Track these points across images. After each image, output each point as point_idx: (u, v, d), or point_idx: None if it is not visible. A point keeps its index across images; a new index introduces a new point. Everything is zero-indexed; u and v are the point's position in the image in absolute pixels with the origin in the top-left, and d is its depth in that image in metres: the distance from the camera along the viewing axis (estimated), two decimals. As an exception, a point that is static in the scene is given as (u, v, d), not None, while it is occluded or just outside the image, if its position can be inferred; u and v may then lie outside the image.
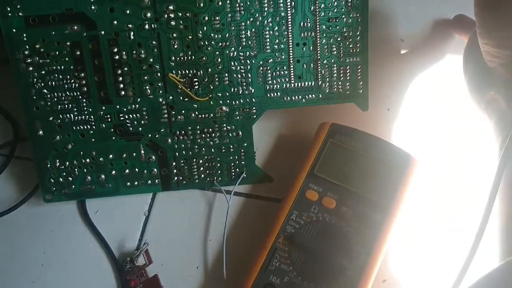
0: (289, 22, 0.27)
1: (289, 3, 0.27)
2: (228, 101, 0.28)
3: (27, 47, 0.26)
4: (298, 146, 0.29)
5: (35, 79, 0.27)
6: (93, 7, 0.26)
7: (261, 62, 0.27)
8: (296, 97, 0.28)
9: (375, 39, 0.30)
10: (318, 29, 0.27)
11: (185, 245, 0.29)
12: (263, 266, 0.25)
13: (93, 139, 0.28)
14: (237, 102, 0.28)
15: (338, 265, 0.24)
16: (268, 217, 0.28)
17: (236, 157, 0.29)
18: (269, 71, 0.28)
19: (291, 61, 0.28)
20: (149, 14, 0.26)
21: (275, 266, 0.25)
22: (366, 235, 0.25)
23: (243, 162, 0.29)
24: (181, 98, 0.28)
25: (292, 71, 0.28)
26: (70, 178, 0.28)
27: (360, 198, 0.26)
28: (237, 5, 0.26)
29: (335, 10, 0.27)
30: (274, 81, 0.28)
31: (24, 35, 0.26)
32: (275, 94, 0.28)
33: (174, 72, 0.27)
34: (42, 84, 0.27)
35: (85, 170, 0.28)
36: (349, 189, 0.26)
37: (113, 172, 0.29)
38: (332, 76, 0.28)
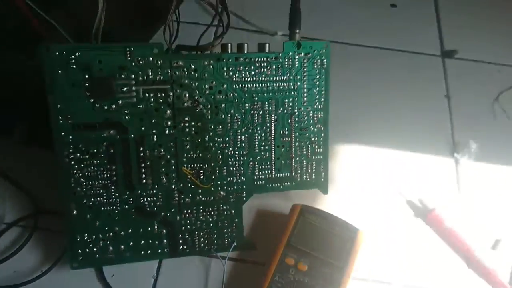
0: (273, 130, 0.37)
1: (273, 117, 0.36)
2: (225, 187, 0.36)
3: (71, 147, 0.33)
4: (277, 222, 0.38)
5: (74, 171, 0.34)
6: (127, 118, 0.34)
7: (251, 159, 0.37)
8: (276, 184, 0.37)
9: (334, 141, 0.40)
10: (293, 135, 0.37)
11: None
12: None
13: (117, 217, 0.35)
14: (232, 188, 0.37)
15: (312, 313, 0.33)
16: (254, 278, 0.36)
17: (229, 230, 0.37)
18: (257, 165, 0.37)
19: (273, 158, 0.37)
20: (169, 123, 0.35)
21: (265, 317, 0.33)
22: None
23: (234, 234, 0.37)
24: (189, 185, 0.36)
25: (273, 166, 0.37)
26: (95, 249, 0.35)
27: (325, 262, 0.35)
28: (235, 118, 0.36)
29: (306, 122, 0.37)
30: (260, 173, 0.37)
31: (70, 137, 0.33)
32: (260, 182, 0.37)
33: (185, 165, 0.35)
34: (80, 175, 0.34)
35: (108, 242, 0.35)
36: (317, 255, 0.35)
37: (131, 243, 0.36)
38: (302, 169, 0.38)
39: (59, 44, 0.32)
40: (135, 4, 0.48)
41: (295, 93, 0.36)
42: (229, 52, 0.35)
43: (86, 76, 0.32)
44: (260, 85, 0.36)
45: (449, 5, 0.55)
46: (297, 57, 0.36)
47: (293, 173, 0.38)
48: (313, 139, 0.38)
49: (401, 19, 0.54)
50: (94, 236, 0.35)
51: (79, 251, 0.35)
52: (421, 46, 0.52)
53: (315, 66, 0.36)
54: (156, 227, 0.36)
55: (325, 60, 0.36)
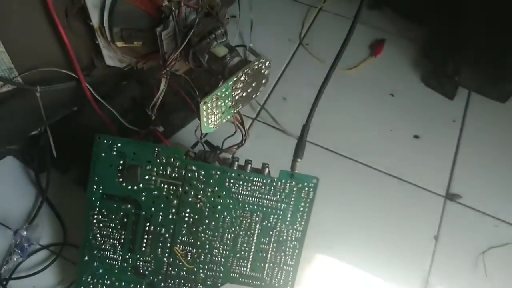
0: (255, 237, 0.44)
1: (258, 227, 0.44)
2: (205, 271, 0.44)
3: (97, 210, 0.43)
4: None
5: (94, 227, 0.43)
6: (143, 198, 0.43)
7: (232, 255, 0.44)
8: (248, 280, 0.45)
9: (308, 255, 0.46)
10: (271, 245, 0.44)
11: None
12: None
13: (116, 270, 0.44)
14: (211, 273, 0.44)
15: None
16: None
17: (201, 305, 0.45)
18: (235, 261, 0.44)
19: (250, 259, 0.44)
20: (174, 210, 0.43)
21: None
22: None
23: (204, 310, 0.45)
24: (177, 261, 0.44)
25: (249, 265, 0.44)
26: (94, 289, 0.45)
27: None
28: (227, 219, 0.43)
29: (284, 238, 0.44)
30: (237, 268, 0.44)
31: (98, 203, 0.43)
32: (235, 275, 0.45)
33: (178, 245, 0.44)
34: (98, 231, 0.44)
35: (104, 287, 0.44)
36: None
37: (117, 283, 0.45)
38: (273, 274, 0.45)
39: (108, 135, 0.42)
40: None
41: (281, 212, 0.44)
42: (234, 168, 0.43)
43: (121, 162, 0.42)
44: (253, 199, 0.43)
45: (468, 151, 0.59)
46: (288, 184, 0.43)
47: (264, 276, 0.45)
48: (287, 252, 0.44)
49: (418, 152, 0.59)
50: (95, 280, 0.44)
51: (82, 287, 0.44)
52: (428, 183, 0.56)
53: (302, 195, 0.43)
54: (143, 286, 0.44)
55: (311, 193, 0.43)
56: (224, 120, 0.43)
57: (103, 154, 0.42)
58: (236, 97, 0.42)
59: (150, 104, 0.48)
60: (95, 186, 0.43)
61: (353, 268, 0.50)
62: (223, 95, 0.40)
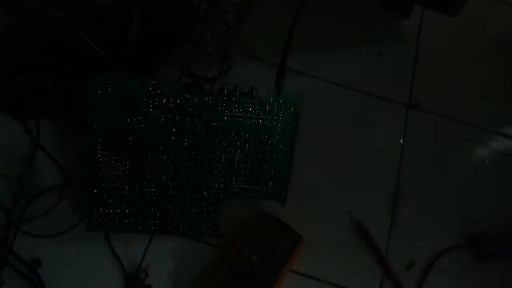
0: (250, 154, 0.48)
1: (252, 144, 0.48)
2: (208, 190, 0.49)
3: (99, 145, 0.46)
4: (243, 221, 0.51)
5: (99, 163, 0.46)
6: (142, 130, 0.46)
7: (230, 172, 0.49)
8: (247, 193, 0.50)
9: (298, 166, 0.51)
10: (264, 159, 0.49)
11: (167, 268, 0.49)
12: (220, 281, 0.46)
13: (125, 200, 0.48)
14: (213, 191, 0.49)
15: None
16: (218, 260, 0.49)
17: (206, 221, 0.50)
18: (234, 178, 0.49)
19: (247, 174, 0.49)
20: (173, 138, 0.47)
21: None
22: (270, 277, 0.47)
23: (209, 224, 0.50)
24: (181, 184, 0.48)
25: (246, 179, 0.49)
26: (106, 220, 0.48)
27: (271, 256, 0.48)
28: (223, 141, 0.47)
29: (276, 151, 0.49)
30: (236, 183, 0.49)
31: (100, 139, 0.45)
32: (235, 190, 0.49)
33: (180, 170, 0.48)
34: (104, 165, 0.46)
35: (116, 216, 0.48)
36: (267, 251, 0.48)
37: (132, 219, 0.48)
38: (268, 185, 0.50)
39: (101, 74, 0.44)
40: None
41: (271, 129, 0.48)
42: (225, 93, 0.47)
43: (117, 97, 0.45)
44: (245, 120, 0.47)
45: (426, 64, 0.65)
46: (276, 103, 0.47)
47: (261, 187, 0.50)
48: (279, 164, 0.49)
49: (382, 68, 0.64)
50: (106, 211, 0.48)
51: (94, 219, 0.48)
52: (392, 95, 0.62)
53: (289, 112, 0.48)
54: (152, 210, 0.48)
55: (297, 108, 0.48)
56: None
57: (99, 92, 0.44)
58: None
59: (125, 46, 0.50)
60: (95, 124, 0.45)
61: (334, 176, 0.56)
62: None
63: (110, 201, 0.47)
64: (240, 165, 0.49)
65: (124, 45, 0.53)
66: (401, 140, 0.60)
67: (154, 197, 0.48)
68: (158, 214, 0.49)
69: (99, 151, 0.46)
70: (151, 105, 0.45)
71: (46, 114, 0.54)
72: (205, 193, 0.49)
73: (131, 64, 0.52)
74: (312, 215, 0.53)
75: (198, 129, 0.47)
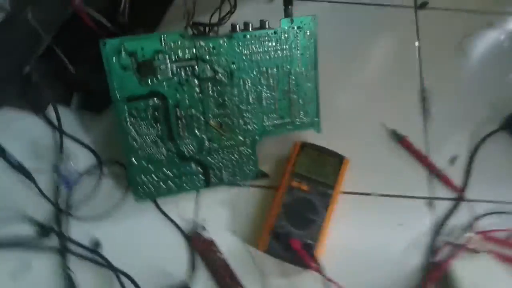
0: (276, 88, 0.48)
1: (275, 78, 0.47)
2: (242, 133, 0.48)
3: (126, 113, 0.45)
4: (283, 156, 0.51)
5: (131, 130, 0.45)
6: (166, 88, 0.45)
7: (260, 111, 0.48)
8: (280, 128, 0.49)
9: (324, 90, 0.51)
10: (291, 90, 0.48)
11: (223, 217, 0.49)
12: (274, 225, 0.46)
13: (164, 162, 0.47)
14: (248, 134, 0.48)
15: (312, 219, 0.46)
16: (269, 199, 0.49)
17: (248, 165, 0.50)
18: (265, 116, 0.48)
19: (277, 109, 0.48)
20: (197, 89, 0.46)
21: (280, 224, 0.46)
22: (324, 201, 0.47)
23: (251, 167, 0.50)
24: (215, 134, 0.48)
25: (277, 114, 0.49)
26: (151, 186, 0.48)
27: (321, 183, 0.48)
28: (246, 81, 0.47)
29: (300, 79, 0.48)
30: (268, 121, 0.49)
31: (126, 107, 0.45)
32: (269, 128, 0.49)
33: (211, 120, 0.47)
34: (135, 133, 0.46)
35: (161, 181, 0.48)
36: (315, 178, 0.48)
37: (176, 180, 0.48)
38: (299, 114, 0.49)
39: (112, 38, 0.42)
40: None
41: (291, 58, 0.47)
42: (238, 31, 0.45)
43: (133, 60, 0.43)
44: (264, 55, 0.46)
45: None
46: (291, 30, 0.46)
47: (293, 118, 0.49)
48: (306, 91, 0.49)
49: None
50: (149, 177, 0.47)
51: (139, 188, 0.48)
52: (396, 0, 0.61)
53: (305, 36, 0.47)
54: (193, 166, 0.48)
55: (313, 30, 0.47)
56: None
57: (113, 59, 0.43)
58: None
59: (118, 11, 0.48)
60: (117, 92, 0.44)
61: (362, 91, 0.56)
62: None
63: (151, 167, 0.47)
64: (268, 102, 0.48)
65: (117, 10, 0.51)
66: (416, 43, 0.59)
67: (192, 153, 0.48)
68: (199, 169, 0.48)
69: (127, 119, 0.45)
70: (167, 61, 0.44)
71: (61, 99, 0.53)
72: (240, 137, 0.49)
73: (130, 28, 0.50)
74: (347, 134, 0.53)
75: (220, 74, 0.46)
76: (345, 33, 0.58)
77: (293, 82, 0.48)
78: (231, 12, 0.49)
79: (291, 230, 0.46)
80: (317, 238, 0.46)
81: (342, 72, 0.56)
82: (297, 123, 0.50)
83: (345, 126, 0.53)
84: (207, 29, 0.51)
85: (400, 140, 0.53)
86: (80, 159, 0.52)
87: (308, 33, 0.47)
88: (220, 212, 0.50)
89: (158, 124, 0.46)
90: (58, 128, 0.52)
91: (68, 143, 0.52)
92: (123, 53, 0.43)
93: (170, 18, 0.57)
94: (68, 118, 0.53)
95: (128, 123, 0.45)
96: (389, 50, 0.58)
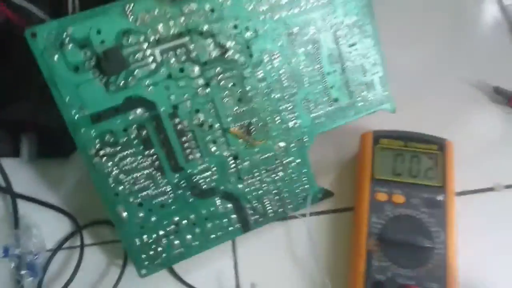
0: (319, 56, 0.31)
1: (316, 41, 0.30)
2: (283, 137, 0.31)
3: (97, 141, 0.28)
4: (348, 158, 0.33)
5: (109, 168, 0.28)
6: (149, 89, 0.28)
7: (303, 97, 0.31)
8: (337, 117, 0.32)
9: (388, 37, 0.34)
10: (343, 55, 0.31)
11: (281, 273, 0.32)
12: (366, 270, 0.29)
13: (173, 206, 0.30)
14: (290, 135, 0.31)
15: (426, 247, 0.29)
16: (344, 227, 0.31)
17: (300, 183, 0.32)
18: (311, 102, 0.31)
19: (327, 89, 0.31)
20: (200, 82, 0.29)
21: (376, 266, 0.29)
22: (436, 215, 0.29)
23: (306, 186, 0.32)
24: (242, 146, 0.30)
25: (329, 97, 0.31)
26: (160, 248, 0.30)
27: (421, 187, 0.30)
28: (273, 54, 0.30)
29: (353, 36, 0.31)
30: (317, 109, 0.31)
31: (92, 131, 0.27)
32: (320, 119, 0.32)
33: (232, 125, 0.30)
34: (118, 171, 0.28)
35: (172, 237, 0.30)
36: (410, 182, 0.31)
37: (197, 230, 0.31)
38: (361, 90, 0.32)
39: (45, 24, 0.26)
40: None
41: (333, 4, 0.30)
42: (244, -25, 0.28)
43: (88, 54, 0.26)
44: (291, 7, 0.29)
45: None
46: (324, -41, 0.29)
47: (353, 98, 0.32)
48: (365, 52, 0.32)
49: None
50: (154, 235, 0.30)
51: (143, 256, 0.30)
52: None
53: (348, -35, 0.30)
54: (219, 204, 0.31)
55: (357, -46, 0.30)
56: None
57: (55, 58, 0.26)
58: None
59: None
60: (73, 112, 0.27)
61: (434, 45, 0.38)
62: None
63: (153, 219, 0.30)
64: (312, 80, 0.31)
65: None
66: None
67: (213, 184, 0.30)
68: (228, 205, 0.31)
69: (99, 152, 0.28)
70: (144, 45, 0.27)
71: (5, 150, 0.36)
72: (281, 143, 0.31)
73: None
74: (430, 107, 0.36)
75: (231, 51, 0.29)
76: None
77: (343, 42, 0.31)
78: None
79: (398, 272, 0.28)
80: (443, 277, 0.28)
81: (401, 18, 0.39)
82: (359, 104, 0.32)
83: (422, 96, 0.36)
84: None
85: (511, 98, 0.36)
86: (47, 228, 0.34)
87: (352, -40, 0.30)
88: (274, 267, 0.32)
89: (151, 149, 0.29)
90: (6, 189, 0.35)
91: (25, 208, 0.35)
92: (69, 45, 0.26)
93: None
94: (21, 174, 0.36)
95: (102, 158, 0.28)
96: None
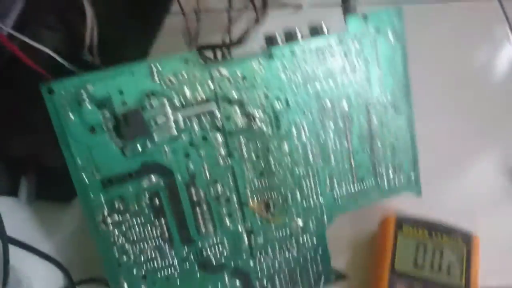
0: (348, 133, 0.29)
1: (346, 116, 0.28)
2: (301, 215, 0.29)
3: (105, 208, 0.25)
4: (366, 241, 0.31)
5: (115, 237, 0.26)
6: (168, 156, 0.26)
7: (327, 174, 0.29)
8: (361, 198, 0.30)
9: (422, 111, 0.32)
10: (373, 133, 0.29)
11: None
12: None
13: (179, 281, 0.28)
14: (310, 214, 0.29)
15: None
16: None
17: (314, 263, 0.30)
18: (335, 180, 0.29)
19: (353, 167, 0.29)
20: (223, 152, 0.27)
21: None
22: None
23: (320, 267, 0.30)
24: (259, 222, 0.28)
25: (354, 176, 0.30)
26: (159, 323, 0.28)
27: (443, 284, 0.28)
28: (302, 127, 0.28)
29: (386, 114, 0.29)
30: (340, 189, 0.29)
31: (102, 197, 0.25)
32: (342, 199, 0.30)
33: (250, 200, 0.28)
34: (124, 240, 0.26)
35: (173, 312, 0.28)
36: (431, 277, 0.28)
37: (197, 304, 0.28)
38: (388, 172, 0.30)
39: (64, 79, 0.24)
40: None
41: (369, 81, 0.28)
42: (280, 44, 0.27)
43: (107, 115, 0.24)
44: (326, 79, 0.28)
45: None
46: (365, 34, 0.28)
47: (379, 180, 0.30)
48: (397, 133, 0.30)
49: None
50: (156, 311, 0.28)
51: (142, 332, 0.28)
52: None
53: (388, 41, 0.28)
54: (227, 280, 0.28)
55: (399, 31, 0.28)
56: None
57: (70, 115, 0.24)
58: None
59: (83, 46, 0.30)
60: (84, 175, 0.25)
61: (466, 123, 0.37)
62: None
63: (156, 292, 0.27)
64: (339, 158, 0.29)
65: (81, 46, 0.32)
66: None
67: (223, 259, 0.28)
68: (237, 282, 0.29)
69: (106, 220, 0.26)
70: (167, 108, 0.25)
71: (2, 188, 0.34)
72: (299, 222, 0.29)
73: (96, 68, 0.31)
74: (458, 195, 0.34)
75: (258, 121, 0.27)
76: (428, 36, 0.40)
77: (376, 120, 0.29)
78: (257, 23, 0.31)
79: None
80: None
81: (433, 94, 0.37)
82: (385, 186, 0.31)
83: (452, 180, 0.34)
84: (218, 54, 0.32)
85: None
86: (39, 281, 0.32)
87: (392, 36, 0.28)
88: None
89: (162, 219, 0.27)
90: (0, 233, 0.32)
91: (17, 255, 0.32)
92: (88, 103, 0.24)
93: (162, 49, 0.39)
94: (17, 215, 0.33)
95: (110, 226, 0.26)
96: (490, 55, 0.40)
